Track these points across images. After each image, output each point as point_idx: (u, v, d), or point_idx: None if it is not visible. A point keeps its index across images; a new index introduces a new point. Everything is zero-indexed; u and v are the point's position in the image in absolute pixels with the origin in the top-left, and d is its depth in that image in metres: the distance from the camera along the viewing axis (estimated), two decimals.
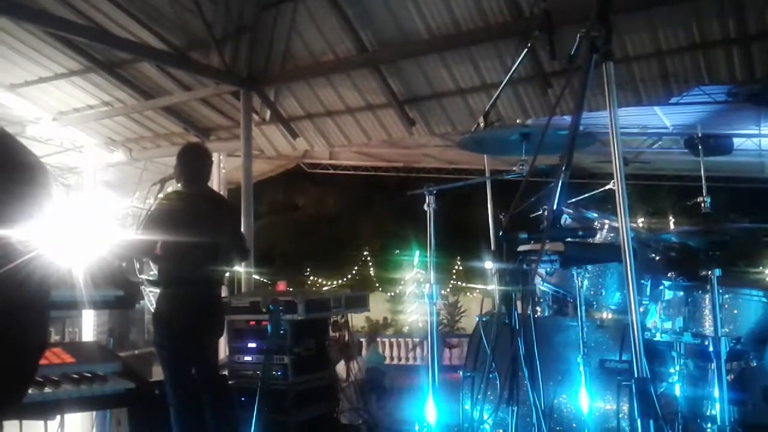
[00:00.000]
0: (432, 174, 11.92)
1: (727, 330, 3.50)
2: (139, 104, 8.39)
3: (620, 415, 3.55)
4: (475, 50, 6.52)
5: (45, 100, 8.73)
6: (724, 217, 3.86)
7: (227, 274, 5.26)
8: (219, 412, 4.28)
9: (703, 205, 3.61)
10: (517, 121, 6.68)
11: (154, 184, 4.78)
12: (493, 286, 3.47)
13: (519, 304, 2.64)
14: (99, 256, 3.40)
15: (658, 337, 3.68)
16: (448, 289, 22.26)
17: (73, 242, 2.85)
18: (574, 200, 3.86)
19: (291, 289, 6.50)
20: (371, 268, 23.97)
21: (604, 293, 3.71)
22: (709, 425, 3.44)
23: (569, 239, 2.49)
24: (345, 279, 23.01)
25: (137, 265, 4.56)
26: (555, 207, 1.97)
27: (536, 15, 3.70)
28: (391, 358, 15.76)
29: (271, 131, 8.25)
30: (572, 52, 2.04)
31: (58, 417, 3.10)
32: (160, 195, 4.54)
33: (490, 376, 3.05)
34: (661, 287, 3.70)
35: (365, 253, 23.93)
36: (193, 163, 4.48)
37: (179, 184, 4.47)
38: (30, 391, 2.26)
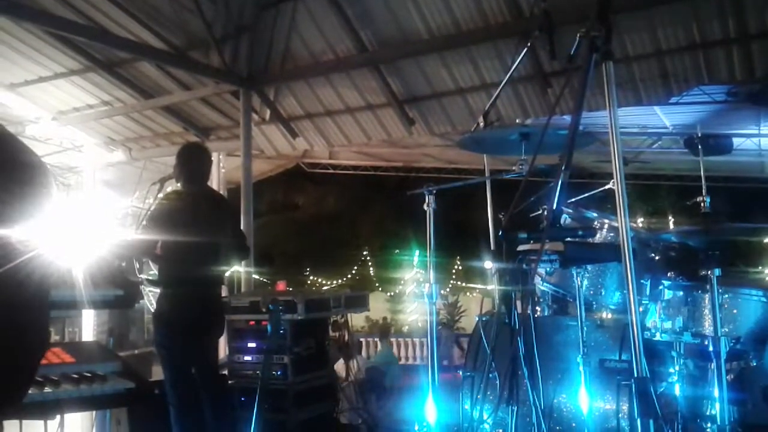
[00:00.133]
0: (432, 174, 11.92)
1: (726, 330, 3.50)
2: (138, 104, 8.39)
3: (620, 415, 3.55)
4: (474, 50, 6.53)
5: (45, 99, 8.73)
6: (724, 216, 3.86)
7: (227, 274, 5.26)
8: (219, 412, 4.28)
9: (702, 204, 3.61)
10: (517, 120, 6.69)
11: (154, 183, 4.78)
12: (493, 286, 3.47)
13: (519, 303, 2.64)
14: (99, 256, 3.40)
15: (657, 337, 3.68)
16: (448, 289, 22.25)
17: (73, 242, 2.85)
18: (573, 200, 3.86)
19: (291, 289, 6.49)
20: (371, 268, 23.96)
21: (603, 293, 3.71)
22: (708, 425, 3.43)
23: (569, 239, 2.49)
24: (345, 279, 23.00)
25: (137, 265, 4.56)
26: (555, 207, 1.97)
27: (536, 15, 3.71)
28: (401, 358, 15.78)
29: (271, 131, 8.25)
30: (572, 52, 2.04)
31: (58, 417, 3.11)
32: (160, 194, 4.54)
33: (490, 375, 3.05)
34: (661, 287, 3.70)
35: (365, 252, 23.92)
36: (193, 162, 4.48)
37: (179, 184, 4.48)
38: (30, 391, 2.25)
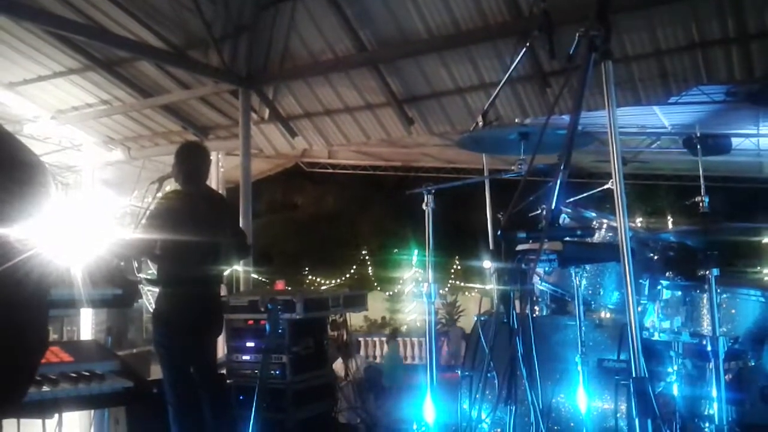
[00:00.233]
0: (431, 173, 11.92)
1: (725, 329, 3.50)
2: (137, 103, 8.39)
3: (618, 415, 3.55)
4: (474, 50, 6.53)
5: (44, 98, 8.72)
6: (722, 216, 3.86)
7: (226, 273, 5.26)
8: (217, 411, 4.28)
9: (701, 204, 3.61)
10: (516, 120, 6.69)
11: (153, 182, 4.78)
12: (492, 286, 3.47)
13: (517, 303, 2.64)
14: (97, 255, 3.40)
15: (656, 337, 3.68)
16: (447, 289, 22.28)
17: (72, 241, 2.85)
18: (572, 200, 3.87)
19: (289, 288, 6.50)
20: (370, 267, 23.98)
21: (602, 292, 3.71)
22: (706, 425, 3.44)
23: (568, 238, 2.49)
24: (343, 278, 23.02)
25: (135, 264, 4.55)
26: (553, 206, 1.97)
27: (535, 14, 3.71)
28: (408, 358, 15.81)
29: (270, 130, 8.25)
30: (571, 52, 2.04)
31: (56, 416, 3.10)
32: (159, 194, 4.53)
33: (489, 375, 3.05)
34: (659, 287, 3.70)
35: (364, 252, 23.94)
36: (192, 161, 4.48)
37: (178, 183, 4.47)
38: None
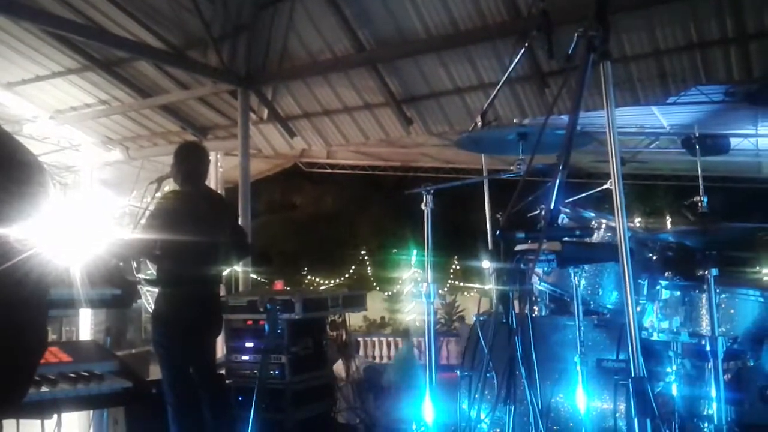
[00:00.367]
0: (430, 173, 11.91)
1: (724, 329, 3.51)
2: (136, 103, 8.39)
3: (617, 415, 3.55)
4: (473, 50, 6.53)
5: (42, 98, 8.72)
6: (720, 216, 3.86)
7: (225, 273, 5.26)
8: (216, 412, 4.28)
9: (700, 204, 3.62)
10: (515, 120, 6.69)
11: (152, 182, 4.78)
12: (491, 286, 3.47)
13: (516, 303, 2.64)
14: (96, 255, 3.40)
15: (655, 337, 3.69)
16: (446, 289, 22.27)
17: (71, 241, 2.85)
18: (571, 200, 3.87)
19: (288, 289, 6.50)
20: (369, 268, 23.98)
21: (601, 292, 3.71)
22: (705, 425, 3.44)
23: (566, 239, 2.49)
24: (342, 278, 23.01)
25: (134, 265, 4.55)
26: (552, 206, 1.97)
27: (534, 14, 3.71)
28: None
29: (269, 130, 8.25)
30: (570, 52, 2.04)
31: (55, 416, 3.11)
32: (158, 194, 4.53)
33: (488, 375, 3.05)
34: (658, 287, 3.71)
35: (363, 252, 23.93)
36: (191, 161, 4.48)
37: (177, 183, 4.47)
38: None
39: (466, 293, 22.74)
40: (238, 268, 6.86)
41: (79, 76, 8.16)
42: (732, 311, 3.60)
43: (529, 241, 2.25)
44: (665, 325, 3.66)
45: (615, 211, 1.88)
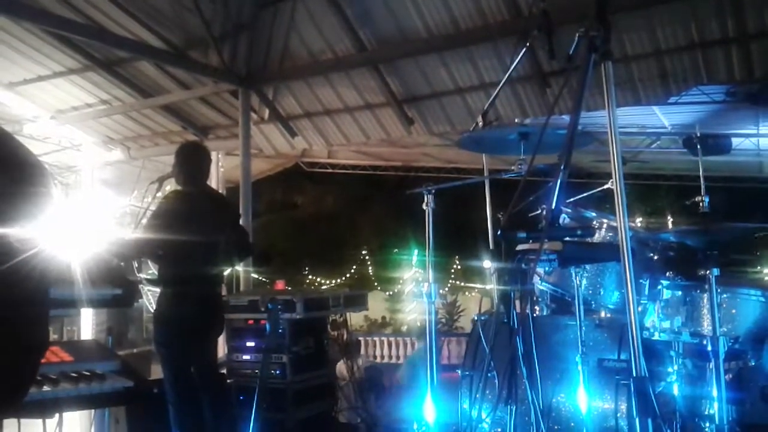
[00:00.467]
0: (431, 173, 11.91)
1: (725, 329, 3.51)
2: (137, 103, 8.39)
3: (618, 414, 3.55)
4: (474, 49, 6.53)
5: (43, 98, 8.72)
6: (722, 216, 3.86)
7: (226, 273, 5.26)
8: (218, 411, 4.28)
9: (701, 204, 3.61)
10: (516, 120, 6.69)
11: (153, 182, 4.78)
12: (492, 286, 3.47)
13: (517, 303, 2.64)
14: (97, 255, 3.40)
15: (656, 337, 3.68)
16: (447, 289, 22.26)
17: (72, 241, 2.85)
18: (572, 199, 3.87)
19: (289, 288, 6.50)
20: (370, 267, 23.97)
21: (602, 292, 3.71)
22: (707, 424, 3.44)
23: (568, 238, 2.49)
24: (344, 278, 23.01)
25: (135, 264, 4.56)
26: (553, 206, 1.97)
27: (535, 14, 3.70)
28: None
29: (270, 130, 8.25)
30: (571, 52, 2.04)
31: (57, 415, 3.10)
32: (159, 194, 4.54)
33: (489, 375, 3.05)
34: (660, 286, 3.70)
35: (364, 252, 23.92)
36: (192, 161, 4.48)
37: (178, 183, 4.47)
38: None
39: (467, 293, 22.72)
40: (239, 267, 6.86)
41: (81, 76, 8.16)
42: (733, 311, 3.60)
43: (531, 241, 2.26)
44: (666, 324, 3.66)
45: (616, 210, 1.88)
